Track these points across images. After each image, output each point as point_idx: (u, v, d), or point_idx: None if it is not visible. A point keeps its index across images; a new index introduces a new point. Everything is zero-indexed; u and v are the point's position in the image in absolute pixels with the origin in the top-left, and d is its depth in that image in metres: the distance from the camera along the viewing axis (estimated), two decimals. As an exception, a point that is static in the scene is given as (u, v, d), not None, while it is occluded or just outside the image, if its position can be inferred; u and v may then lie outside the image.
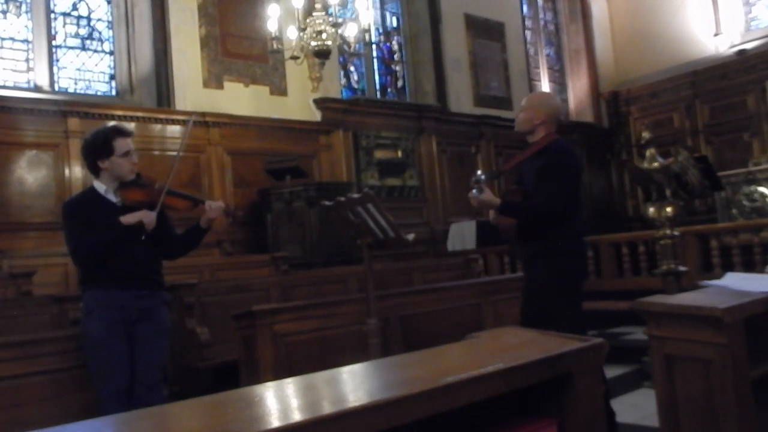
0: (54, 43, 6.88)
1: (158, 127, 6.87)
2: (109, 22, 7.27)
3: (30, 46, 6.72)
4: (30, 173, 6.12)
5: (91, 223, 2.95)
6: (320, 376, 1.45)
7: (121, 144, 3.01)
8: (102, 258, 2.93)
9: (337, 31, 5.99)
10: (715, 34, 10.77)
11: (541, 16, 11.92)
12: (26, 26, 6.73)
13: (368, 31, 6.00)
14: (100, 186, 3.06)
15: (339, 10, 6.27)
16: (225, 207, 3.19)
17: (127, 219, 2.90)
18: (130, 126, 6.16)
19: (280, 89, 7.81)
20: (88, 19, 7.16)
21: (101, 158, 3.01)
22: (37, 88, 6.64)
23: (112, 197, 3.04)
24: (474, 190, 3.15)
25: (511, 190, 3.51)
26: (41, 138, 6.22)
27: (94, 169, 3.07)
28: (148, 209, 2.99)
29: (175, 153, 6.93)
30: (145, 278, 3.01)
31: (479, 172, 3.26)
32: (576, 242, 3.22)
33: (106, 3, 7.28)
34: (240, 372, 3.61)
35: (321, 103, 8.08)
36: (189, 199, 3.20)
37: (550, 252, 3.14)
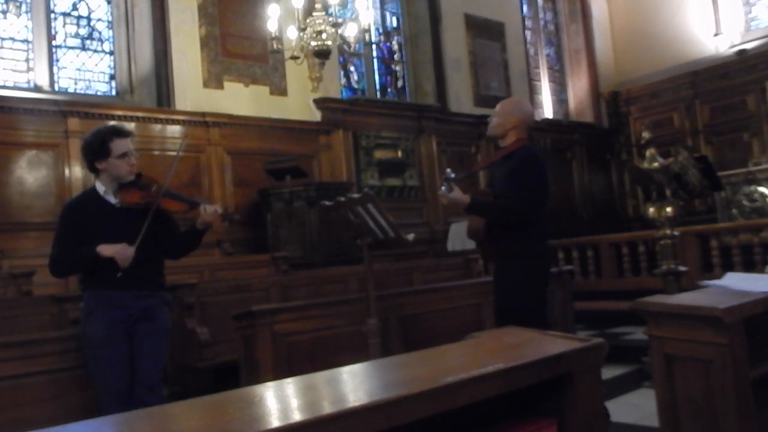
0: (54, 43, 6.88)
1: (158, 127, 6.87)
2: (109, 22, 7.27)
3: (30, 46, 6.72)
4: (30, 173, 6.12)
5: (89, 224, 2.95)
6: (320, 376, 1.45)
7: (118, 145, 3.00)
8: (72, 273, 3.09)
9: (337, 31, 5.99)
10: (715, 34, 10.77)
11: (541, 16, 11.92)
12: (26, 26, 6.73)
13: (368, 31, 6.00)
14: (100, 186, 3.06)
15: (339, 10, 6.26)
16: (222, 212, 3.16)
17: (104, 251, 2.87)
18: (130, 126, 6.17)
19: (280, 89, 7.81)
20: (88, 19, 7.16)
21: (98, 159, 3.01)
22: (37, 88, 6.64)
23: (112, 198, 3.04)
24: (443, 188, 3.22)
25: (481, 192, 3.64)
26: (41, 138, 6.22)
27: (93, 170, 3.07)
28: (145, 212, 2.99)
29: (174, 153, 6.95)
30: (145, 278, 3.01)
31: (449, 170, 3.32)
32: (540, 245, 3.32)
33: (106, 3, 7.28)
34: (240, 372, 3.61)
35: (321, 103, 8.08)
36: (186, 201, 3.19)
37: (515, 254, 3.23)
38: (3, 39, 6.57)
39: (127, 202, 3.01)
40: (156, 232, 3.05)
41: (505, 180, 3.27)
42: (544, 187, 3.32)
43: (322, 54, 5.96)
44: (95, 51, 7.16)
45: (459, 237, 8.41)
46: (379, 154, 8.60)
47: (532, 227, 3.24)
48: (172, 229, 3.16)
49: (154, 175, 3.22)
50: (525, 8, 11.43)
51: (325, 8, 6.03)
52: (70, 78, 6.96)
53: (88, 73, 7.09)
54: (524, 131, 3.38)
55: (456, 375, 1.30)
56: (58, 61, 6.89)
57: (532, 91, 11.24)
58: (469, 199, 3.22)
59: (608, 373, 4.61)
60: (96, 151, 3.00)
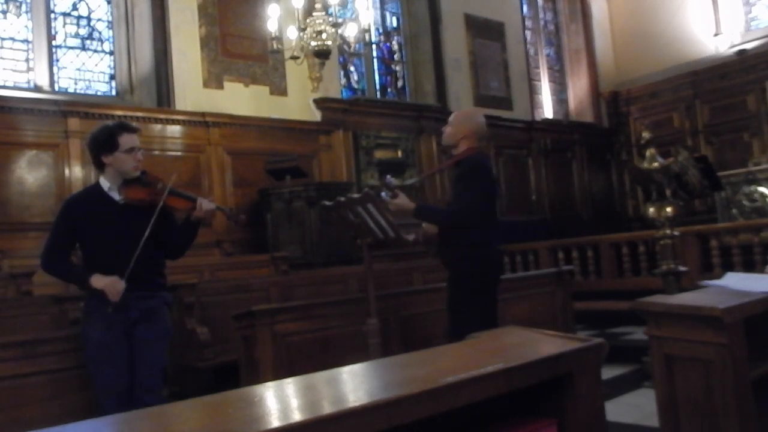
0: (54, 43, 6.88)
1: (158, 127, 6.87)
2: (109, 22, 7.27)
3: (30, 46, 6.72)
4: (30, 173, 6.12)
5: (90, 221, 2.95)
6: (320, 376, 1.45)
7: (126, 139, 2.99)
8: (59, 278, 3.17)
9: (337, 31, 5.99)
10: (715, 34, 10.77)
11: (541, 16, 11.92)
12: (26, 26, 6.73)
13: (368, 31, 6.00)
14: (104, 183, 3.04)
15: (339, 10, 6.26)
16: (229, 211, 3.15)
17: (96, 282, 2.88)
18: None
19: (280, 89, 7.82)
20: (88, 19, 7.16)
21: (105, 153, 2.98)
22: (37, 88, 6.64)
23: (115, 195, 3.02)
24: (383, 194, 3.30)
25: (437, 201, 3.75)
26: (41, 138, 6.22)
27: (98, 164, 3.05)
28: (148, 209, 2.97)
29: (174, 153, 6.95)
30: (146, 279, 3.00)
31: (389, 177, 3.42)
32: (488, 249, 3.39)
33: (106, 3, 7.28)
34: (240, 372, 3.61)
35: (321, 103, 8.08)
36: (191, 199, 3.17)
37: (464, 257, 3.33)
38: (3, 39, 6.57)
39: (130, 198, 2.99)
40: (157, 232, 3.04)
41: (453, 186, 3.43)
42: (489, 192, 3.42)
43: (322, 54, 5.96)
44: (95, 51, 7.16)
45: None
46: (379, 154, 8.60)
47: (479, 232, 3.34)
48: (172, 229, 3.16)
49: (156, 175, 3.21)
50: (525, 8, 11.43)
51: (325, 8, 6.03)
52: (70, 78, 6.96)
53: (88, 73, 7.09)
54: (476, 141, 3.51)
55: (456, 375, 1.30)
56: (58, 61, 6.90)
57: (532, 91, 11.23)
58: (414, 205, 3.31)
59: (608, 373, 4.61)
60: (103, 144, 2.99)
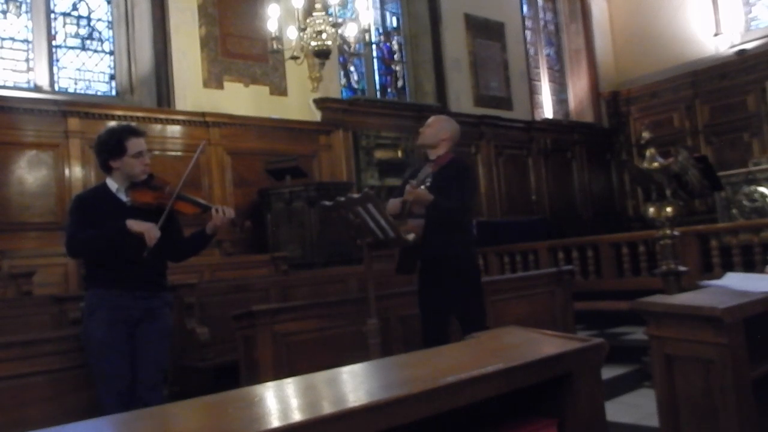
0: (54, 43, 6.89)
1: (158, 127, 6.87)
2: (109, 22, 7.27)
3: (30, 46, 6.72)
4: (30, 173, 6.12)
5: (99, 219, 2.93)
6: (320, 376, 1.45)
7: (134, 144, 2.99)
8: (93, 252, 2.93)
9: (337, 31, 5.99)
10: (715, 34, 10.77)
11: (541, 16, 11.92)
12: (26, 26, 6.73)
13: (368, 31, 6.00)
14: (112, 184, 3.04)
15: (339, 10, 6.26)
16: (234, 217, 3.13)
17: (133, 225, 2.84)
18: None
19: (280, 89, 7.82)
20: (88, 19, 7.16)
21: (113, 157, 2.98)
22: (37, 88, 6.64)
23: (123, 196, 3.02)
24: (412, 184, 3.48)
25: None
26: (41, 138, 6.22)
27: (105, 168, 3.05)
28: (156, 212, 2.97)
29: (174, 153, 6.95)
30: (148, 279, 3.00)
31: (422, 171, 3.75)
32: (473, 244, 3.74)
33: (106, 3, 7.28)
34: (240, 372, 3.61)
35: (321, 103, 8.08)
36: (199, 205, 3.16)
37: (460, 252, 3.56)
38: (3, 39, 6.57)
39: (138, 201, 2.99)
40: (162, 234, 3.04)
41: (444, 185, 3.55)
42: (476, 193, 3.75)
43: (322, 54, 5.96)
44: (95, 51, 7.16)
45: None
46: (379, 154, 8.59)
47: (467, 228, 3.65)
48: (176, 232, 3.16)
49: (161, 176, 3.21)
50: (525, 8, 11.43)
51: (325, 8, 6.03)
52: (70, 78, 6.96)
53: (88, 73, 7.09)
54: (453, 145, 3.78)
55: (456, 375, 1.30)
56: (58, 61, 6.90)
57: (532, 91, 11.23)
58: (433, 197, 3.45)
59: (608, 373, 4.60)
60: (111, 149, 2.98)
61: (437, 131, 3.72)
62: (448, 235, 3.51)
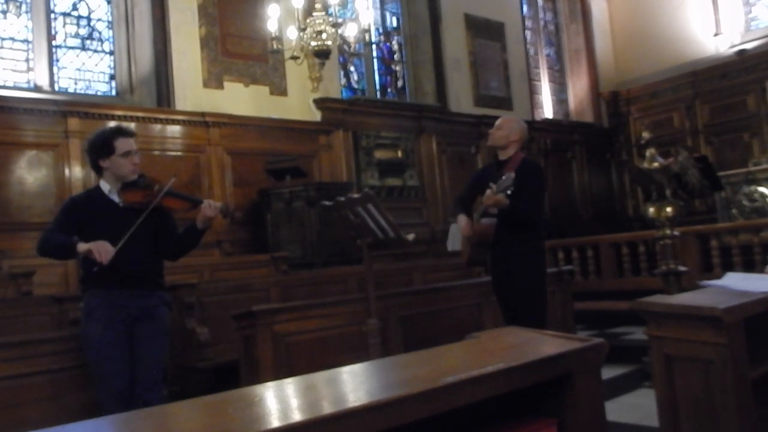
0: (54, 43, 6.88)
1: (158, 127, 6.87)
2: (109, 22, 7.27)
3: (30, 46, 6.72)
4: (30, 173, 6.12)
5: (91, 220, 2.97)
6: (320, 376, 1.45)
7: (122, 144, 3.03)
8: (54, 257, 3.11)
9: (337, 31, 5.99)
10: (715, 34, 10.77)
11: (541, 16, 11.92)
12: (26, 26, 6.72)
13: (368, 31, 6.00)
14: (104, 185, 3.09)
15: (339, 10, 6.26)
16: (223, 207, 3.15)
17: (81, 247, 2.85)
18: (130, 126, 6.16)
19: (280, 89, 7.81)
20: (88, 19, 7.16)
21: (102, 157, 3.04)
22: (37, 88, 6.64)
23: (116, 197, 3.05)
24: (492, 189, 3.43)
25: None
26: (41, 138, 6.21)
27: (96, 169, 3.10)
28: (144, 210, 2.99)
29: (174, 153, 6.95)
30: (145, 278, 3.02)
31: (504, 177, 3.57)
32: (542, 243, 3.84)
33: (106, 3, 7.28)
34: (240, 372, 3.61)
35: (321, 103, 8.08)
36: (188, 200, 3.18)
37: (530, 250, 3.65)
38: (3, 39, 6.57)
39: (129, 201, 3.02)
40: (155, 231, 3.05)
41: (519, 189, 3.52)
42: (545, 192, 3.71)
43: (322, 54, 5.96)
44: (95, 51, 7.16)
45: (458, 237, 8.41)
46: (379, 154, 8.59)
47: (538, 228, 3.73)
48: (170, 229, 3.16)
49: (154, 175, 3.22)
50: (525, 8, 11.43)
51: (325, 8, 6.03)
52: (70, 78, 6.96)
53: (88, 73, 7.08)
54: (522, 145, 3.85)
55: (456, 375, 1.30)
56: (58, 61, 6.89)
57: (532, 91, 11.23)
58: (508, 201, 3.46)
59: (608, 373, 4.61)
60: (100, 148, 3.04)
61: (508, 133, 3.76)
62: (519, 234, 3.61)
